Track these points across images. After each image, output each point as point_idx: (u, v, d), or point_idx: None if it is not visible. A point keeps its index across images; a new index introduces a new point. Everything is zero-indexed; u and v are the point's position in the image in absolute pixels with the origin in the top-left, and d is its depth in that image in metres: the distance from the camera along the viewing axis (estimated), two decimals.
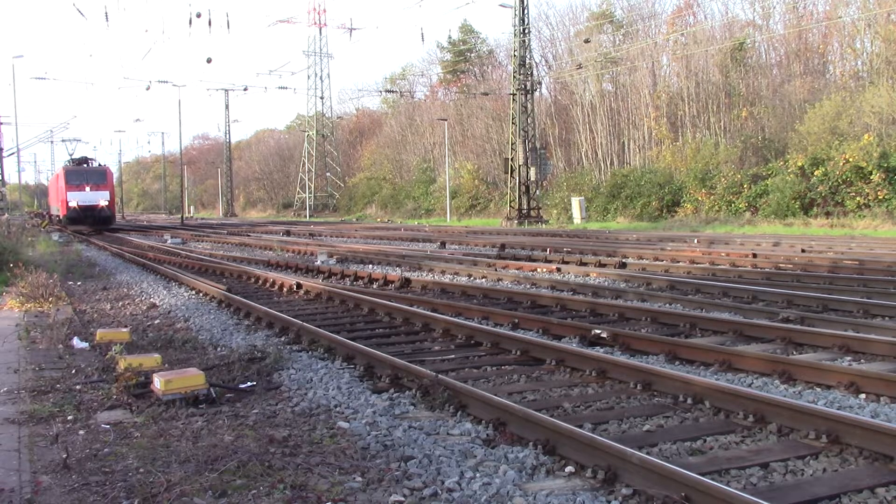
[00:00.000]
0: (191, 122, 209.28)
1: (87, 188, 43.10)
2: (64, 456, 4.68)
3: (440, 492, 4.22)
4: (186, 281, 15.12)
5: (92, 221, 43.66)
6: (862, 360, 7.16)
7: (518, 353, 7.71)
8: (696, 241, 23.57)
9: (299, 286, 13.43)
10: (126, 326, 9.74)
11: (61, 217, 44.47)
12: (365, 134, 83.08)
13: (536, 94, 47.97)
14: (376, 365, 7.08)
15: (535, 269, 16.01)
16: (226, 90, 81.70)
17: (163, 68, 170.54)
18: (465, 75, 72.06)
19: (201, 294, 13.65)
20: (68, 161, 47.95)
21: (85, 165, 46.16)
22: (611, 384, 6.56)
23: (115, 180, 47.30)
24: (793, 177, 34.72)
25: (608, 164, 51.18)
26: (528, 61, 45.15)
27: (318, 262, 18.52)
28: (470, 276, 15.22)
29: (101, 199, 43.57)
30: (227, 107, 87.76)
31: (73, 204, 42.79)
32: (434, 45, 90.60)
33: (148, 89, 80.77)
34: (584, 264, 16.71)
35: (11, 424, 5.54)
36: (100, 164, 47.27)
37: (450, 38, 74.05)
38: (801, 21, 44.51)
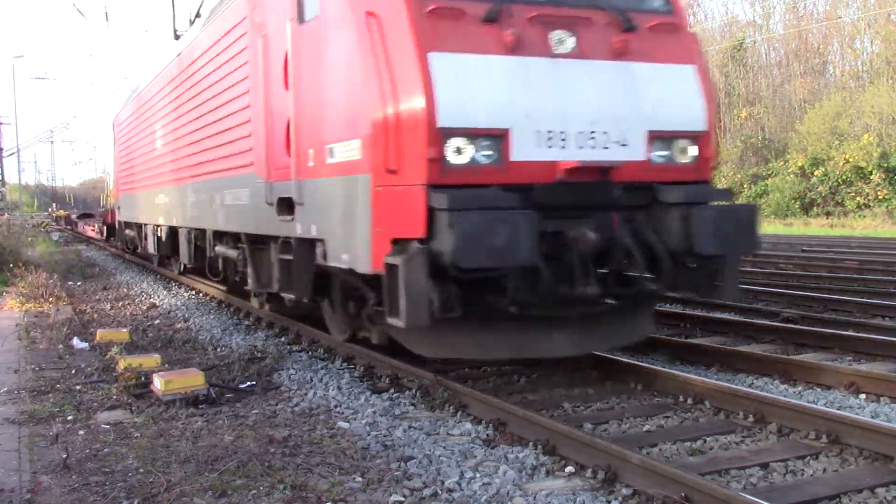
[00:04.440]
0: None
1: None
2: (64, 456, 4.68)
3: (440, 492, 4.22)
4: (186, 281, 15.11)
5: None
6: (862, 360, 7.16)
7: None
8: None
9: None
10: (126, 326, 9.72)
11: (366, 231, 5.39)
12: None
13: None
14: (376, 365, 7.08)
15: None
16: None
17: None
18: None
19: (201, 294, 13.65)
20: None
21: None
22: (611, 384, 6.56)
23: None
24: (793, 177, 34.70)
25: None
26: None
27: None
28: None
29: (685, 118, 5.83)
30: None
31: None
32: None
33: None
34: None
35: (11, 424, 5.54)
36: None
37: None
38: (801, 21, 44.51)
